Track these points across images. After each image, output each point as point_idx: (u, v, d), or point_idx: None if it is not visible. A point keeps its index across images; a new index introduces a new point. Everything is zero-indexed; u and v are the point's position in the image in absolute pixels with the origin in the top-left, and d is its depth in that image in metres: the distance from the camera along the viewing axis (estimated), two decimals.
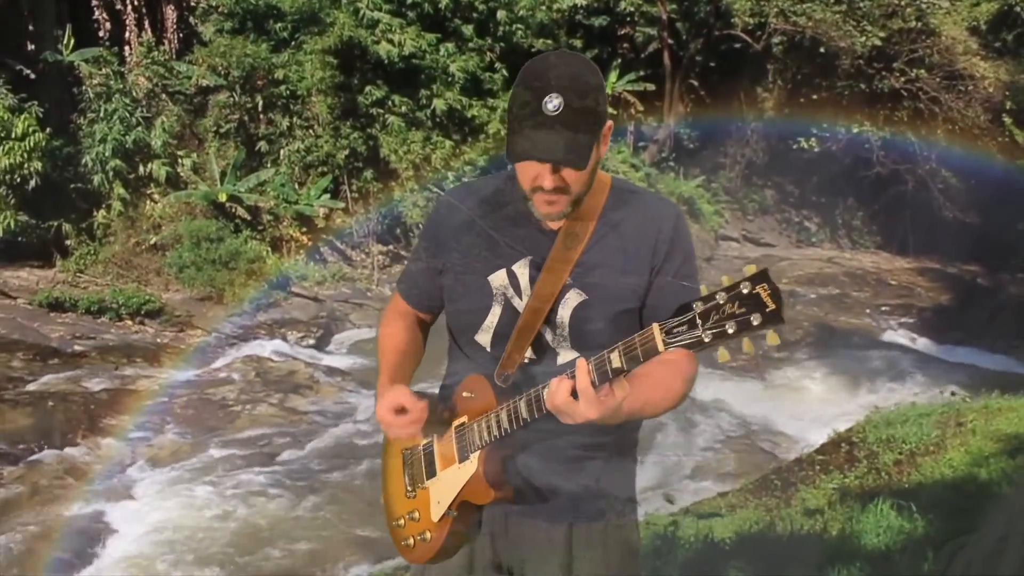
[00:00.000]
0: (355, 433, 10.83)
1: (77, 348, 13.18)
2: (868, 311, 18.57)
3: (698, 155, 23.40)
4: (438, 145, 17.60)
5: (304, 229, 16.83)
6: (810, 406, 12.72)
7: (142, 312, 14.43)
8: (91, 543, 8.20)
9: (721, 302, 1.47)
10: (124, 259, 15.76)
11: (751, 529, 4.95)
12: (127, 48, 17.35)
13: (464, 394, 1.92)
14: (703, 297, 1.50)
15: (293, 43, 17.54)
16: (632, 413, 1.73)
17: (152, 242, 15.92)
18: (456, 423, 1.92)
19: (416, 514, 1.98)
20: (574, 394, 1.64)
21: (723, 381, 13.37)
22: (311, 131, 17.26)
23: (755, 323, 1.42)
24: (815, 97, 22.45)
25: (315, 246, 16.78)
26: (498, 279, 1.91)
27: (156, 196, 16.35)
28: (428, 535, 1.94)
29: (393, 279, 15.54)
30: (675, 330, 1.51)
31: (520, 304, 1.89)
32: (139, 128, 15.97)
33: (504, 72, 18.65)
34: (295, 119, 17.28)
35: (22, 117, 14.69)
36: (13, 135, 14.61)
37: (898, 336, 17.15)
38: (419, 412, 1.88)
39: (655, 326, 1.54)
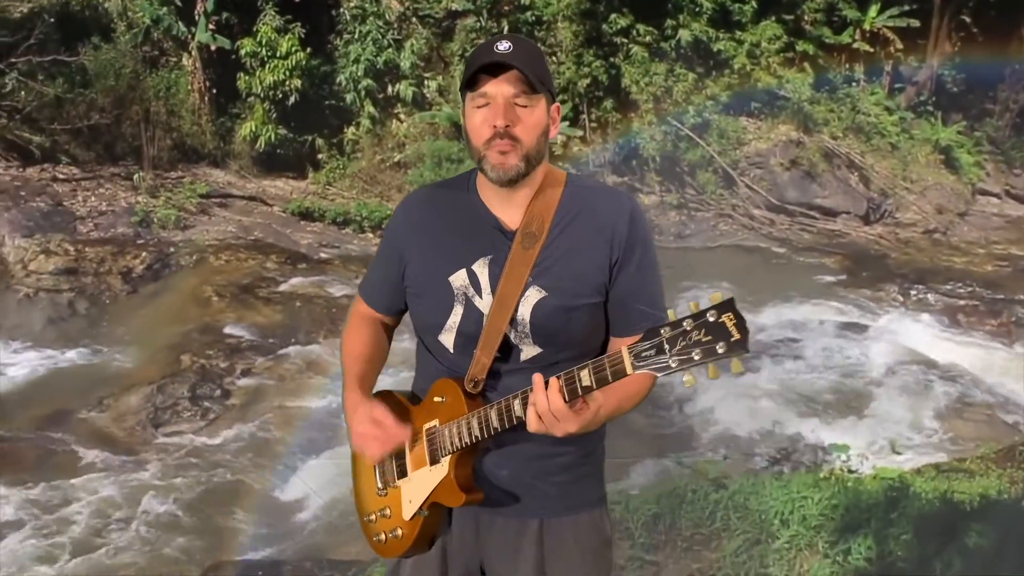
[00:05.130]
0: None
1: (323, 255, 14.13)
2: None
3: (962, 99, 21.46)
4: (680, 78, 17.12)
5: None
6: None
7: (383, 226, 15.19)
8: (325, 434, 8.85)
9: (688, 328, 1.53)
10: (369, 174, 16.64)
11: (994, 496, 4.60)
12: None
13: (436, 399, 1.97)
14: (671, 323, 1.56)
15: None
16: (609, 416, 1.81)
17: (396, 160, 16.68)
18: (427, 426, 1.97)
19: (387, 511, 2.05)
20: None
21: (962, 347, 12.42)
22: (554, 58, 17.29)
23: (720, 351, 1.50)
24: None
25: None
26: (459, 279, 1.94)
27: (402, 115, 17.07)
28: (400, 532, 2.02)
29: None
30: (643, 354, 1.58)
31: (481, 303, 1.92)
32: (390, 49, 16.66)
33: (754, 3, 17.81)
34: (539, 45, 17.35)
35: (286, 37, 15.76)
36: (278, 54, 15.70)
37: None
38: (398, 433, 1.95)
39: (624, 349, 1.60)
